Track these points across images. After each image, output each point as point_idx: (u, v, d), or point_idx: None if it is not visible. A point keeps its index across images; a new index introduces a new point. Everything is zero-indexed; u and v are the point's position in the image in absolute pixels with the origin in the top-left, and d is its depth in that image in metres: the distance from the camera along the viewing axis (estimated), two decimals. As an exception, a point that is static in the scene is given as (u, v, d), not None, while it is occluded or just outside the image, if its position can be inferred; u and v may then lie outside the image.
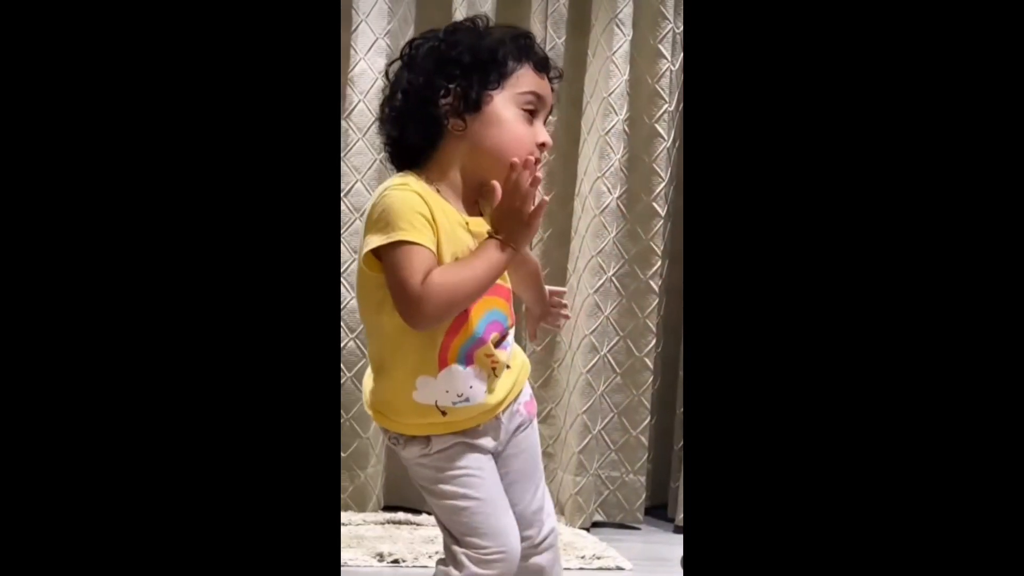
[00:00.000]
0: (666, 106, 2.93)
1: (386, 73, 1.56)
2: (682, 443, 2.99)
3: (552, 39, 2.93)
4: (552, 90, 1.54)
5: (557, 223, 3.01)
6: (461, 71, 1.48)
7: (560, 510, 2.91)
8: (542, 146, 1.51)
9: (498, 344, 1.52)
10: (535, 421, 1.63)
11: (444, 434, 1.52)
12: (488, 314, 1.50)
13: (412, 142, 1.50)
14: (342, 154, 2.76)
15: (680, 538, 2.79)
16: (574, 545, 2.65)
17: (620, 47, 2.88)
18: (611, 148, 2.89)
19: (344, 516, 2.74)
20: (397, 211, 1.43)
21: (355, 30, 2.76)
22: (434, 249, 1.43)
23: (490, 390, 1.52)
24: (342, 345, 2.74)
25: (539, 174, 1.46)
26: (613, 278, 2.93)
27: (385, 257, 1.44)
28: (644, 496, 3.00)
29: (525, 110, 1.50)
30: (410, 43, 1.54)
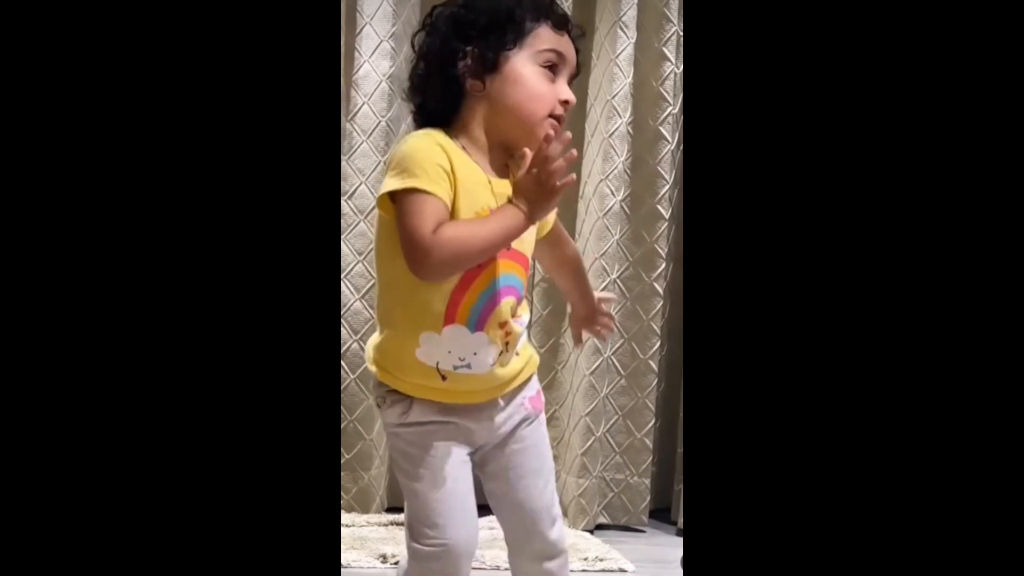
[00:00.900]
0: (670, 109, 2.93)
1: (411, 44, 1.56)
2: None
3: (556, 41, 2.92)
4: (577, 51, 1.53)
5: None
6: (478, 33, 1.48)
7: (564, 512, 2.90)
8: (565, 104, 1.50)
9: (512, 315, 1.51)
10: (543, 415, 1.61)
11: (430, 403, 1.50)
12: (503, 276, 1.49)
13: (434, 106, 1.51)
14: (346, 156, 2.76)
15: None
16: (577, 547, 2.65)
17: (624, 50, 2.88)
18: (615, 151, 2.89)
19: (347, 518, 2.74)
20: (415, 158, 1.43)
21: (359, 33, 2.76)
22: (448, 202, 1.43)
23: (502, 364, 1.50)
24: (345, 347, 2.74)
25: (574, 152, 1.44)
26: (617, 280, 2.93)
27: (398, 203, 1.43)
28: (648, 499, 3.00)
29: (545, 67, 1.49)
30: (432, 11, 1.55)
